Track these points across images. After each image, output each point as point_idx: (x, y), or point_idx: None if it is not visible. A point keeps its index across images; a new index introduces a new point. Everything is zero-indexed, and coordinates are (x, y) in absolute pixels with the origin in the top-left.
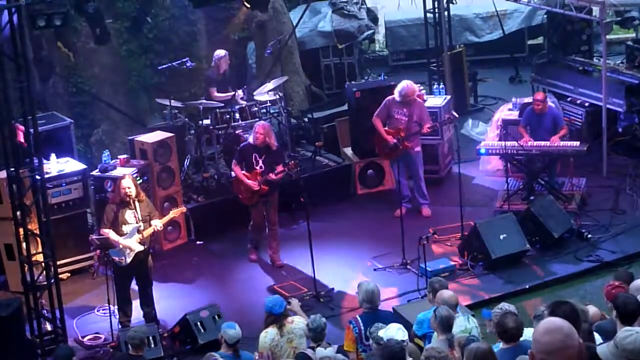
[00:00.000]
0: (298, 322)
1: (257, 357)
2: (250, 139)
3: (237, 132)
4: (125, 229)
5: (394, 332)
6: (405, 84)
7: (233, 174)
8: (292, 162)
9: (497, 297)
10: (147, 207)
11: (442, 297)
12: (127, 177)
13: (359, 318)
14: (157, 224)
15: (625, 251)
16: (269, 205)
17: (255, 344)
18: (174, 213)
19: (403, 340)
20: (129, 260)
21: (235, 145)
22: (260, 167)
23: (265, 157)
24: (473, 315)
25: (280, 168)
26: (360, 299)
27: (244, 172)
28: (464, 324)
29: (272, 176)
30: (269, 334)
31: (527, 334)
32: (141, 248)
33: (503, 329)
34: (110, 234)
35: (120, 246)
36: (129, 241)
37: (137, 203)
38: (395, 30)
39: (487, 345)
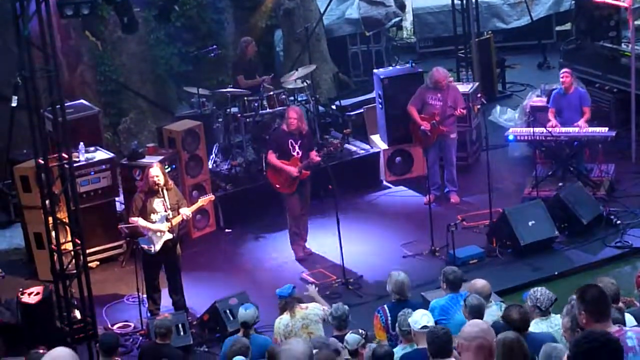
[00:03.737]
0: (313, 308)
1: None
2: (284, 126)
3: (264, 119)
4: (154, 217)
5: (418, 317)
6: (435, 70)
7: (265, 163)
8: (339, 140)
9: (525, 284)
10: (175, 195)
11: (475, 287)
12: (155, 166)
13: (386, 307)
14: (186, 212)
15: None
16: (305, 193)
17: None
18: (202, 201)
19: (426, 326)
20: (158, 248)
21: (263, 132)
22: (298, 153)
23: (300, 142)
24: (502, 302)
25: (314, 153)
26: (390, 289)
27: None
28: (497, 312)
29: (316, 158)
30: (282, 320)
31: (541, 326)
32: (170, 236)
33: (508, 320)
34: (140, 221)
35: (150, 232)
36: (160, 226)
37: (165, 191)
38: (422, 17)
39: (514, 335)
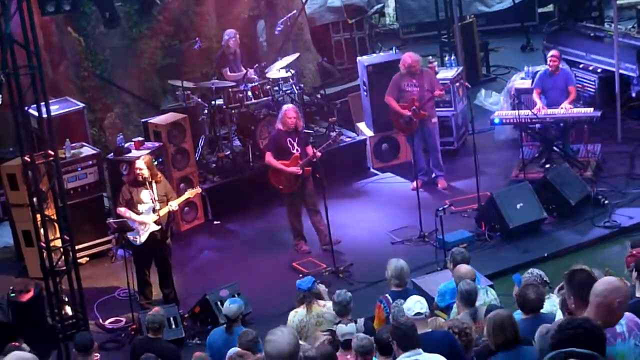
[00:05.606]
0: (330, 308)
1: None
2: (280, 125)
3: (250, 110)
4: (141, 208)
5: (411, 304)
6: (407, 56)
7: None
8: (336, 134)
9: (515, 267)
10: (164, 188)
11: (459, 273)
12: (140, 159)
13: (389, 297)
14: (173, 204)
15: None
16: (309, 188)
17: (276, 322)
18: (189, 193)
19: (420, 313)
20: (143, 239)
21: (250, 124)
22: (297, 150)
23: (297, 139)
24: (492, 286)
25: (311, 148)
26: (389, 275)
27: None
28: (482, 297)
29: (317, 154)
30: (298, 314)
31: (545, 305)
32: (156, 227)
33: (524, 299)
34: (126, 211)
35: (136, 224)
36: (145, 217)
37: (153, 184)
38: (404, 3)
39: (506, 312)
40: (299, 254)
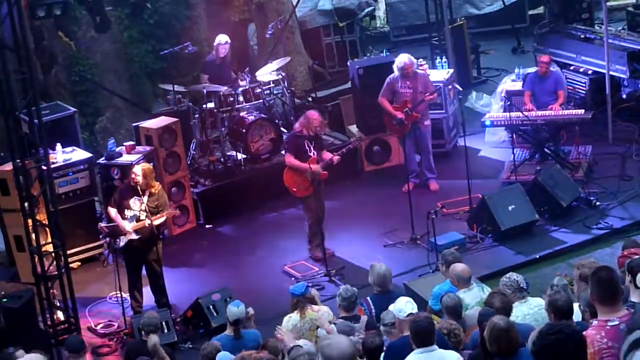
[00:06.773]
0: (324, 313)
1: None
2: (304, 129)
3: (241, 114)
4: (127, 213)
5: (402, 304)
6: (402, 58)
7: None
8: (356, 138)
9: (507, 269)
10: (156, 200)
11: (455, 271)
12: (140, 165)
13: (369, 300)
14: (151, 220)
15: (634, 217)
16: (321, 194)
17: (268, 326)
18: (167, 214)
19: (412, 313)
20: (122, 244)
21: (241, 127)
22: (313, 154)
23: (314, 143)
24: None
25: (327, 153)
26: (372, 282)
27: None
28: (479, 295)
29: (335, 158)
30: (292, 319)
31: (521, 309)
32: (134, 237)
33: (489, 307)
34: (112, 211)
35: (120, 226)
36: (126, 224)
37: (146, 194)
38: (395, 5)
39: (506, 322)
40: (312, 259)
